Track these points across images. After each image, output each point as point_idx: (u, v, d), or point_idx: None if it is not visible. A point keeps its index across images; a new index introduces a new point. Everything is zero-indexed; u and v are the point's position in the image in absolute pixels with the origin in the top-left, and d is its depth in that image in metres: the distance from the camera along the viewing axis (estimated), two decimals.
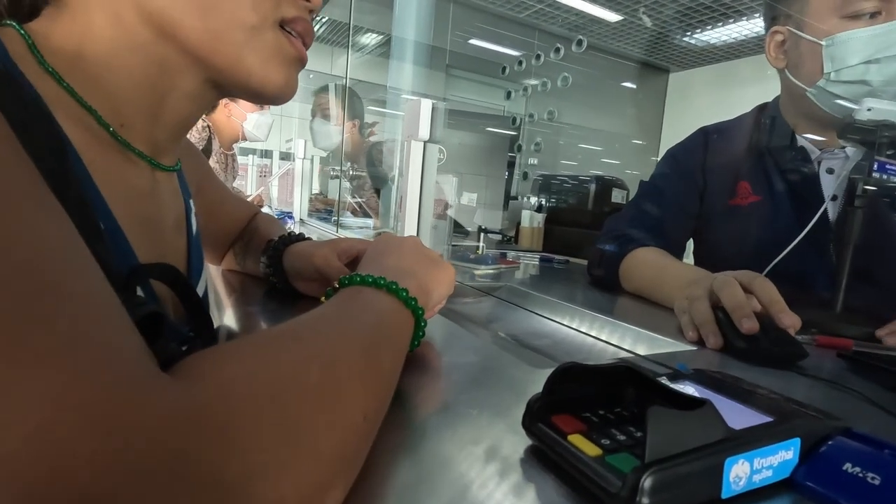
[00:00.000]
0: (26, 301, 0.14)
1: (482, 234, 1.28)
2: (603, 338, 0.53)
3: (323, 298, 0.31)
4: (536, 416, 0.25)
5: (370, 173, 1.84)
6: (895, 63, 0.63)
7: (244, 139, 1.90)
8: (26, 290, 0.14)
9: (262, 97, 0.36)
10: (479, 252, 1.01)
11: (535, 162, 2.32)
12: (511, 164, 1.86)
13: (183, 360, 0.18)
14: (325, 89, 2.03)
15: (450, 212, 1.06)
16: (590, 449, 0.22)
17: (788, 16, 0.73)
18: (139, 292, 0.29)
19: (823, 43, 0.68)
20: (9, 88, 0.21)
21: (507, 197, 1.67)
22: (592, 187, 1.43)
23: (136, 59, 0.31)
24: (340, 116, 1.95)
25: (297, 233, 0.56)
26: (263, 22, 0.33)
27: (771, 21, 0.76)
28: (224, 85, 0.35)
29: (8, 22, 0.29)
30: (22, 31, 0.29)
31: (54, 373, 0.13)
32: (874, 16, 0.65)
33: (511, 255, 1.09)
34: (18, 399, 0.12)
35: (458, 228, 1.43)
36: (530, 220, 1.41)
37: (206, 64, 0.33)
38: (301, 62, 0.37)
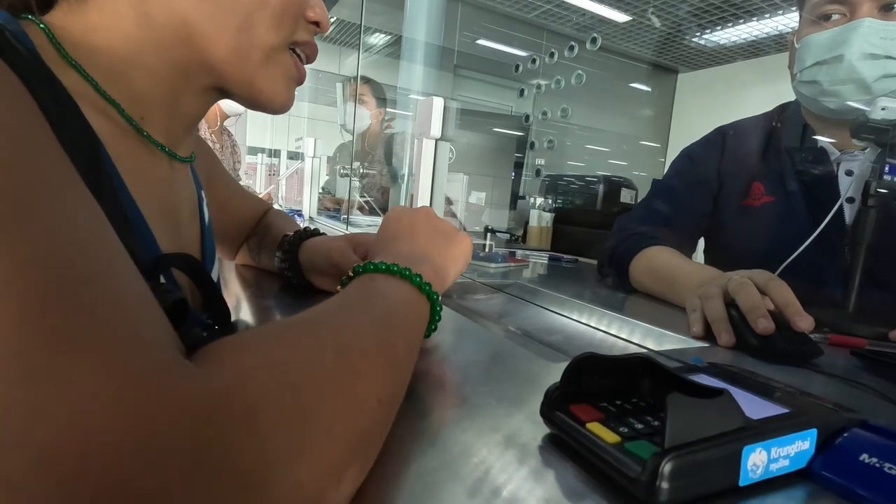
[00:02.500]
0: (60, 291, 0.14)
1: (488, 234, 1.28)
2: (614, 333, 0.53)
3: (339, 288, 0.32)
4: (555, 405, 0.26)
5: (387, 163, 1.85)
6: (838, 64, 0.68)
7: (224, 116, 1.91)
8: (61, 280, 0.14)
9: (265, 109, 0.38)
10: (488, 250, 1.02)
11: (543, 162, 2.32)
12: (519, 165, 1.86)
13: (203, 347, 0.19)
14: (362, 79, 2.05)
15: (453, 208, 1.07)
16: (608, 436, 0.23)
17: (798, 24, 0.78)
18: (162, 280, 0.29)
19: (797, 46, 0.73)
20: (43, 83, 0.21)
21: (515, 197, 1.68)
22: (601, 188, 1.43)
23: (158, 56, 0.32)
24: (372, 103, 1.98)
25: (311, 228, 0.57)
26: (281, 44, 0.35)
27: None
28: (232, 94, 0.36)
29: (27, 16, 0.30)
30: (42, 25, 0.29)
31: (86, 362, 0.13)
32: (835, 20, 0.69)
33: (520, 253, 1.09)
34: (50, 388, 0.13)
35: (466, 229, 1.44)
36: (538, 219, 1.41)
37: (223, 75, 0.34)
38: (300, 82, 0.39)
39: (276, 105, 0.37)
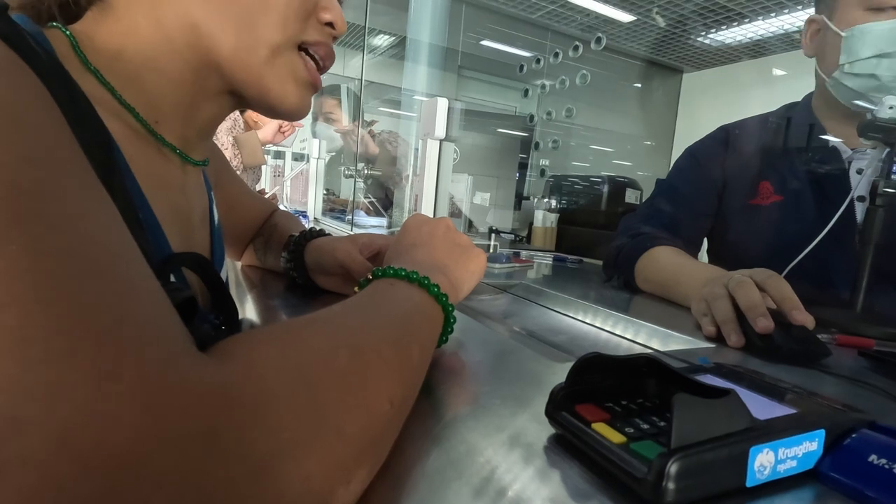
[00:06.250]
0: (80, 282, 0.15)
1: (493, 235, 1.28)
2: (619, 334, 0.53)
3: (356, 289, 0.32)
4: (560, 405, 0.26)
5: (385, 171, 1.84)
6: None
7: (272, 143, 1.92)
8: (80, 272, 0.15)
9: (277, 113, 0.38)
10: (493, 250, 1.02)
11: (547, 163, 2.32)
12: (523, 165, 1.86)
13: (218, 342, 0.19)
14: (328, 91, 2.04)
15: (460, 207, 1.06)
16: (614, 436, 0.23)
17: (825, 5, 0.72)
18: (172, 279, 0.30)
19: (843, 34, 0.67)
20: (60, 85, 0.22)
21: (520, 197, 1.67)
22: (606, 188, 1.42)
23: (172, 62, 0.33)
24: (343, 119, 1.96)
25: (317, 229, 0.57)
26: (286, 42, 0.35)
27: (816, 9, 0.75)
28: (243, 96, 0.36)
29: (53, 24, 0.31)
30: (67, 33, 0.30)
31: (102, 349, 0.14)
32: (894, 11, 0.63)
33: (524, 254, 1.09)
34: (69, 372, 0.13)
35: (470, 228, 1.44)
36: (543, 219, 1.41)
37: (232, 75, 0.34)
38: (314, 87, 0.38)
39: (286, 106, 0.37)
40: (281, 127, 1.86)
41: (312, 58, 0.37)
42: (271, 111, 0.37)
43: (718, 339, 0.49)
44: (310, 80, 0.37)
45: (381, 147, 1.93)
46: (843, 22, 0.68)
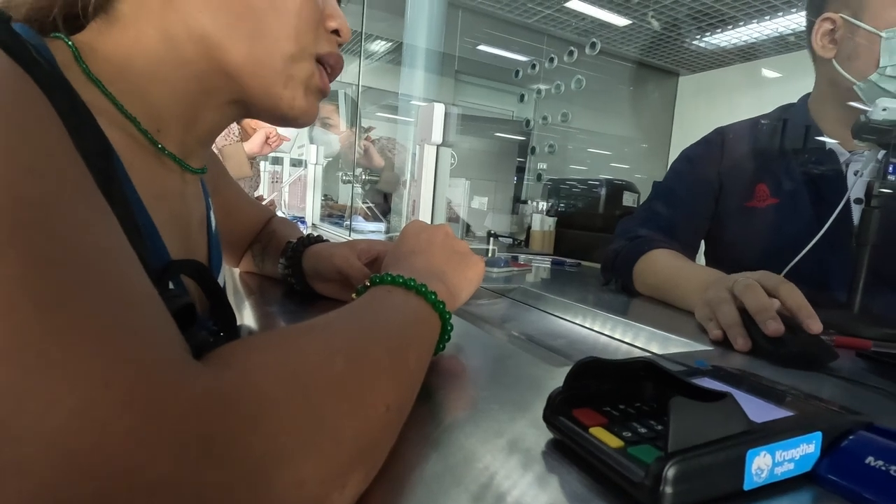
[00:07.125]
0: (77, 290, 0.15)
1: (491, 239, 1.28)
2: (618, 337, 0.53)
3: (354, 295, 0.32)
4: (558, 410, 0.26)
5: (387, 178, 1.84)
6: None
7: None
8: (77, 280, 0.15)
9: (286, 121, 0.38)
10: (491, 254, 1.02)
11: (545, 166, 2.32)
12: (520, 169, 1.86)
13: (215, 349, 0.19)
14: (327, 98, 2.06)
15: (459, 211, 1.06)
16: (611, 441, 0.23)
17: (844, 3, 0.68)
18: (170, 286, 0.30)
19: (883, 34, 0.63)
20: (61, 95, 0.22)
21: (517, 201, 1.68)
22: (603, 191, 1.43)
23: (179, 72, 0.33)
24: (340, 125, 1.97)
25: (315, 235, 0.57)
26: (301, 53, 0.36)
27: (818, 7, 0.72)
28: (252, 105, 0.37)
29: (56, 35, 0.31)
30: (69, 43, 0.31)
31: (98, 355, 0.14)
32: None
33: (522, 258, 1.09)
34: (65, 378, 0.13)
35: (468, 232, 1.44)
36: (541, 223, 1.41)
37: (242, 85, 0.35)
38: (324, 94, 0.39)
39: (297, 113, 0.37)
40: (268, 139, 1.87)
41: (324, 66, 0.38)
42: (280, 119, 0.38)
43: (724, 343, 0.48)
44: (320, 87, 0.38)
45: (380, 154, 1.93)
46: (881, 21, 0.64)
